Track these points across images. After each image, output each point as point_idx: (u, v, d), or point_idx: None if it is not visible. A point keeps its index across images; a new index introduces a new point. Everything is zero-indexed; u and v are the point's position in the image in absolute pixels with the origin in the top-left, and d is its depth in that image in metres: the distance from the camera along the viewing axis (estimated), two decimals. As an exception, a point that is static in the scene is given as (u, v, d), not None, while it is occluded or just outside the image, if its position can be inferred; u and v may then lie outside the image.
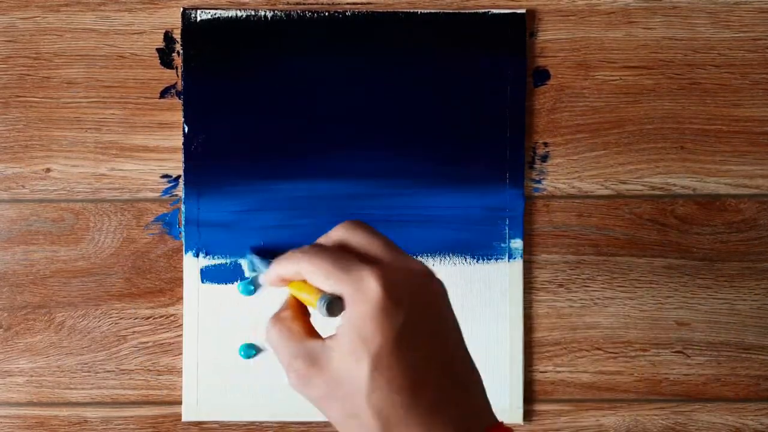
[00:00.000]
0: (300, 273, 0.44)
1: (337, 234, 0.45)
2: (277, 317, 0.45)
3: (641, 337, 0.69)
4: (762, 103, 0.69)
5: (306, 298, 0.44)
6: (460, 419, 0.41)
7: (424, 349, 0.41)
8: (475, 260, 0.68)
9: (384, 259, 0.42)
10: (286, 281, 0.46)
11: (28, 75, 0.68)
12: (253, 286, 0.67)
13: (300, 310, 0.46)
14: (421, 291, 0.42)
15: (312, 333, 0.44)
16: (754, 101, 0.69)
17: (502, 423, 0.43)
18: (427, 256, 0.68)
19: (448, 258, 0.68)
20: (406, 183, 0.68)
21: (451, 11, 0.68)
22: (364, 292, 0.41)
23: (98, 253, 0.68)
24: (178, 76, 0.68)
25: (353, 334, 0.40)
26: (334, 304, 0.41)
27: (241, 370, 0.67)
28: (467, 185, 0.68)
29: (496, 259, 0.68)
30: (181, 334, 0.68)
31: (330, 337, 0.42)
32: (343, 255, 0.43)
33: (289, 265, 0.44)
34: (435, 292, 0.43)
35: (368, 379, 0.40)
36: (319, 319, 0.44)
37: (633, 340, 0.69)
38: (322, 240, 0.45)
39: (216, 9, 0.67)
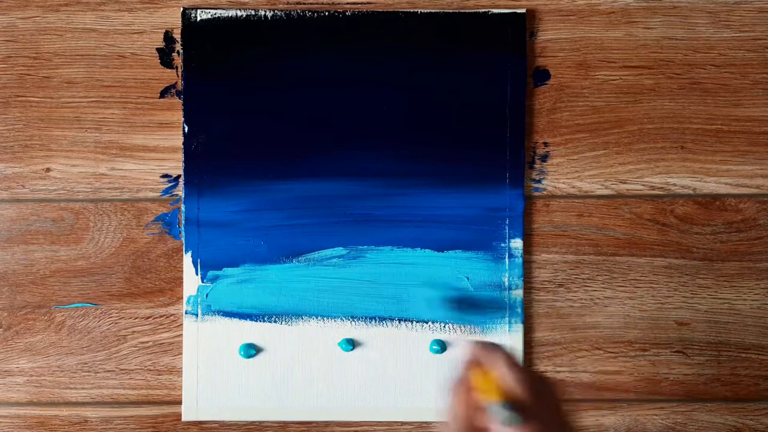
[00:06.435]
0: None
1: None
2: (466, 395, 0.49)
3: (641, 337, 0.69)
4: (762, 103, 0.69)
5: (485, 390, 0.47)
6: None
7: None
8: (475, 260, 0.68)
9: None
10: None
11: (28, 75, 0.68)
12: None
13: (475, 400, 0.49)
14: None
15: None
16: (754, 101, 0.69)
17: None
18: (427, 255, 0.68)
19: (447, 258, 0.67)
20: (406, 183, 0.68)
21: (451, 11, 0.68)
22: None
23: (98, 253, 0.68)
24: (178, 75, 0.68)
25: None
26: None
27: (241, 370, 0.67)
28: (467, 185, 0.68)
29: (496, 259, 0.68)
30: (181, 334, 0.68)
31: None
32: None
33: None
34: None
35: None
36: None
37: (633, 340, 0.69)
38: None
39: (216, 9, 0.67)
